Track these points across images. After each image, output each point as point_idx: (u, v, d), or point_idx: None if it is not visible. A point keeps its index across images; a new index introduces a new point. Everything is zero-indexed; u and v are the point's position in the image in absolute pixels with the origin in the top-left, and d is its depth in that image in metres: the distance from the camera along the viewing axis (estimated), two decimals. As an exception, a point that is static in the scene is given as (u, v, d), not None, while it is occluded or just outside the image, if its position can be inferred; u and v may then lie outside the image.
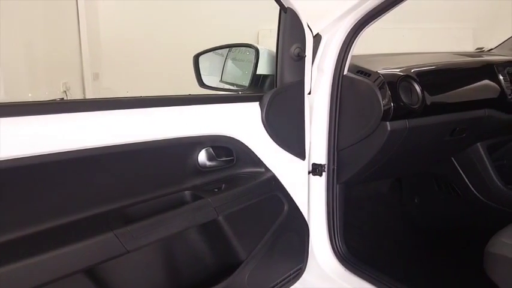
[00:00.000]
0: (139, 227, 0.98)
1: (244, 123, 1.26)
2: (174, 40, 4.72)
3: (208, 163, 1.21)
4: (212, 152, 1.21)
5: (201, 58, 1.56)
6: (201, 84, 1.54)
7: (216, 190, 1.18)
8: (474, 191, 1.93)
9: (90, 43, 4.72)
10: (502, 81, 1.72)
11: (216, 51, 1.59)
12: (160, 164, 1.12)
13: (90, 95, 4.78)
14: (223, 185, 1.21)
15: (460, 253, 1.96)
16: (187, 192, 1.15)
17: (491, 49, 2.26)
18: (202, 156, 1.19)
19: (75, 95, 4.58)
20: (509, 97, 1.73)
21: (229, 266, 1.25)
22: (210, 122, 1.18)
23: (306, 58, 1.35)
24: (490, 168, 1.88)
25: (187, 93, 1.21)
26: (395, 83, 1.39)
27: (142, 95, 1.10)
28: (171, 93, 1.17)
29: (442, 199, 2.12)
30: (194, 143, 1.16)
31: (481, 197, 1.91)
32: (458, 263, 1.89)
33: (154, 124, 1.07)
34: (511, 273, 1.15)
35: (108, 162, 1.01)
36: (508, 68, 1.78)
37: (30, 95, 3.99)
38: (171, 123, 1.10)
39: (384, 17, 1.32)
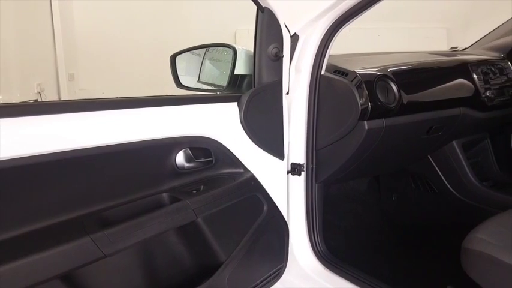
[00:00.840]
0: (116, 230, 0.97)
1: (222, 123, 1.26)
2: (152, 40, 4.68)
3: (186, 164, 1.20)
4: (190, 153, 1.20)
5: (178, 58, 1.54)
6: (178, 84, 1.53)
7: (195, 192, 1.17)
8: (450, 188, 1.96)
9: (65, 43, 4.64)
10: (476, 80, 1.75)
11: (193, 51, 1.57)
12: (137, 166, 1.10)
13: (65, 96, 4.70)
14: (202, 187, 1.20)
15: (437, 249, 1.99)
16: (165, 195, 1.14)
17: (465, 48, 2.30)
18: (180, 158, 1.18)
19: (50, 96, 4.49)
20: (483, 96, 1.76)
21: (209, 268, 1.24)
22: (188, 122, 1.17)
23: (283, 58, 1.34)
24: (465, 166, 1.91)
25: (164, 94, 1.20)
26: (372, 83, 1.40)
27: (119, 96, 1.08)
28: (148, 94, 1.16)
29: (419, 196, 2.14)
30: (172, 144, 1.15)
31: (457, 194, 1.94)
32: (436, 259, 1.92)
33: (131, 125, 1.05)
34: (487, 269, 1.17)
35: (83, 165, 0.99)
36: (481, 67, 1.81)
37: (0, 97, 3.89)
38: (148, 124, 1.09)
39: (360, 17, 1.32)
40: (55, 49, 4.60)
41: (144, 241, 1.06)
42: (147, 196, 1.11)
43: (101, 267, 1.05)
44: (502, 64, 1.92)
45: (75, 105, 0.97)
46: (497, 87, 1.82)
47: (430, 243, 2.08)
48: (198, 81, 1.59)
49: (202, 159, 1.23)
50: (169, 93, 1.21)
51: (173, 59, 1.54)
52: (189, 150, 1.20)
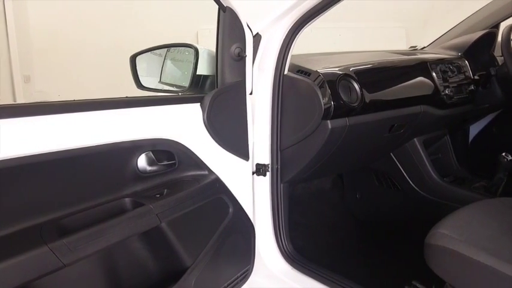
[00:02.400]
0: (76, 238, 0.93)
1: (185, 125, 1.23)
2: (111, 40, 4.57)
3: (148, 168, 1.17)
4: (152, 156, 1.18)
5: (138, 59, 1.51)
6: (139, 85, 1.49)
7: (158, 196, 1.15)
8: (412, 184, 2.00)
9: (19, 43, 4.46)
10: (435, 78, 1.79)
11: (154, 51, 1.54)
12: (96, 170, 1.06)
13: (21, 99, 4.52)
14: (166, 190, 1.18)
15: (401, 245, 2.03)
16: (127, 200, 1.11)
17: (424, 47, 2.35)
18: (142, 161, 1.15)
19: (5, 99, 4.32)
20: (442, 93, 1.80)
21: (175, 273, 1.21)
22: (149, 125, 1.14)
23: (246, 58, 1.34)
24: (426, 162, 1.95)
25: (124, 95, 1.16)
26: (334, 82, 1.41)
27: (77, 98, 1.04)
28: (108, 96, 1.12)
29: (382, 193, 2.18)
30: (132, 148, 1.11)
31: (419, 191, 1.98)
32: (400, 255, 1.95)
33: (89, 129, 1.01)
34: (450, 263, 1.19)
35: (40, 171, 0.94)
36: (440, 65, 1.85)
37: None
38: (107, 127, 1.05)
39: (321, 16, 1.33)
40: (9, 50, 4.42)
41: (106, 248, 1.03)
42: (108, 202, 1.08)
43: (61, 278, 1.01)
44: (460, 63, 1.97)
45: (28, 108, 0.93)
46: (455, 85, 1.87)
47: (395, 239, 2.12)
48: (160, 82, 1.56)
49: (165, 162, 1.21)
50: (130, 95, 1.18)
51: (133, 59, 1.50)
52: (151, 153, 1.17)
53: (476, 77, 1.99)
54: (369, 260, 1.97)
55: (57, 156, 0.95)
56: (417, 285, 1.42)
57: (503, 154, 1.84)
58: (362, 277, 1.77)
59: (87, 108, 1.01)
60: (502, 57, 1.86)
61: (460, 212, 1.34)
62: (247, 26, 1.32)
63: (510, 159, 1.82)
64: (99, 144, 1.02)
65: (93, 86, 4.43)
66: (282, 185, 1.53)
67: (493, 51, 2.13)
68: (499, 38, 2.00)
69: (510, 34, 1.85)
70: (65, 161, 0.98)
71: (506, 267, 1.06)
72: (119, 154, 1.09)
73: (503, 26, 1.98)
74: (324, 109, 1.38)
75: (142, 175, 1.15)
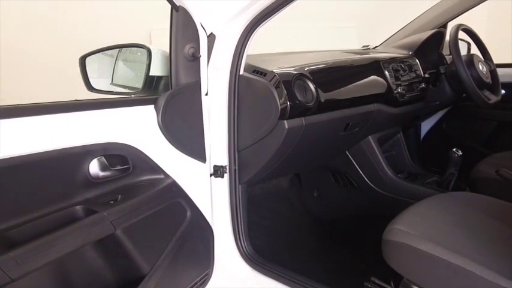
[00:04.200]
0: (24, 251, 0.88)
1: (138, 128, 1.20)
2: (59, 41, 4.40)
3: (101, 173, 1.13)
4: (105, 161, 1.13)
5: (88, 60, 1.45)
6: (90, 87, 1.44)
7: (112, 202, 1.11)
8: (368, 181, 2.03)
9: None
10: (388, 76, 1.83)
11: (105, 52, 1.49)
12: (45, 178, 1.01)
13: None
14: (120, 196, 1.14)
15: (360, 242, 2.06)
16: (78, 207, 1.06)
17: (376, 47, 2.40)
18: (94, 167, 1.11)
19: None
20: (395, 92, 1.84)
21: (132, 281, 1.18)
22: (101, 128, 1.10)
23: (201, 58, 1.31)
24: (381, 160, 1.99)
25: (73, 98, 1.11)
26: (290, 82, 1.41)
27: (22, 103, 0.99)
28: (56, 99, 1.06)
29: (339, 191, 2.20)
30: (83, 153, 1.07)
31: (375, 187, 2.02)
32: (359, 251, 1.98)
33: (36, 134, 0.96)
34: (407, 258, 1.22)
35: None
36: (392, 64, 1.89)
37: None
38: (56, 132, 1.00)
39: (275, 16, 1.32)
40: None
41: (58, 260, 0.98)
42: (58, 210, 1.03)
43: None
44: (411, 61, 2.02)
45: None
46: (407, 83, 1.92)
47: (353, 236, 2.15)
48: (111, 83, 1.51)
49: (119, 167, 1.17)
50: (80, 98, 1.13)
51: (83, 60, 1.45)
52: (103, 158, 1.13)
53: (426, 75, 2.05)
54: (328, 257, 1.99)
55: (4, 164, 0.90)
56: (376, 281, 1.44)
57: (454, 150, 1.90)
58: (321, 275, 1.78)
59: (33, 113, 0.96)
60: (451, 56, 1.91)
61: (414, 208, 1.37)
62: (201, 25, 1.30)
63: (460, 155, 1.88)
64: (47, 151, 0.97)
65: (40, 89, 4.25)
66: (240, 186, 1.52)
67: (442, 50, 2.20)
68: (447, 37, 2.07)
69: (458, 33, 1.91)
70: (10, 169, 0.92)
71: (459, 260, 1.09)
72: (68, 160, 1.04)
73: (451, 25, 2.05)
74: (281, 109, 1.37)
75: (94, 181, 1.11)
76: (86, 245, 1.08)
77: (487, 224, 1.30)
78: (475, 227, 1.27)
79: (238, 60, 1.38)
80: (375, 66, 1.81)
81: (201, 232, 1.41)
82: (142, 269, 1.20)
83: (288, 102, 1.39)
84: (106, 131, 1.11)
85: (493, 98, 1.98)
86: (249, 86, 1.41)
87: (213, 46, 1.37)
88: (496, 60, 2.14)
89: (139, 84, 1.35)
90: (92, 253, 1.14)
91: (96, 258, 1.15)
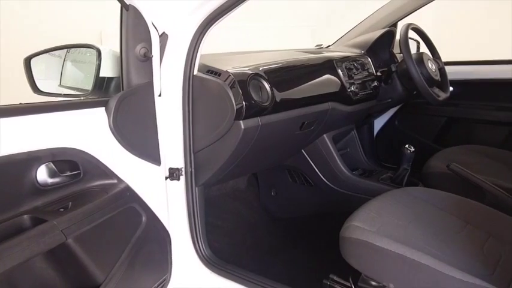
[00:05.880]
0: None
1: (89, 131, 1.15)
2: (2, 41, 4.20)
3: (50, 180, 1.07)
4: (54, 167, 1.08)
5: (33, 61, 1.39)
6: (36, 90, 1.38)
7: (62, 210, 1.06)
8: (324, 179, 2.05)
9: None
10: (341, 75, 1.85)
11: (52, 52, 1.44)
12: None
13: None
14: (70, 203, 1.09)
15: (318, 240, 2.08)
16: (26, 216, 1.01)
17: (329, 46, 2.43)
18: (42, 173, 1.06)
19: None
20: (349, 90, 1.86)
21: (85, 291, 1.13)
22: (49, 133, 1.05)
23: (153, 58, 1.28)
24: (336, 157, 2.01)
25: (18, 101, 1.05)
26: (245, 82, 1.40)
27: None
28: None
29: (296, 190, 2.22)
30: (30, 159, 1.02)
31: (331, 185, 2.04)
32: (318, 249, 2.00)
33: None
34: (364, 255, 1.23)
35: None
36: (345, 63, 1.92)
37: None
38: None
39: (229, 15, 1.31)
40: None
41: (4, 274, 0.93)
42: (3, 221, 0.97)
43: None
44: (363, 60, 2.05)
45: None
46: (360, 81, 1.94)
47: (311, 234, 2.17)
48: (60, 85, 1.45)
49: (69, 173, 1.12)
50: (25, 101, 1.07)
51: (28, 61, 1.38)
52: (52, 164, 1.08)
53: (378, 74, 2.09)
54: (287, 256, 2.00)
55: None
56: (335, 278, 1.46)
57: (406, 146, 1.94)
58: (280, 274, 1.79)
59: None
60: (401, 55, 1.96)
61: (370, 204, 1.40)
62: (153, 25, 1.26)
63: (413, 151, 1.93)
64: None
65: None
66: (197, 188, 1.50)
67: (393, 48, 2.25)
68: (398, 36, 2.12)
69: (408, 32, 1.96)
70: None
71: (414, 254, 1.12)
72: (13, 167, 0.99)
73: (401, 24, 2.10)
74: (236, 109, 1.36)
75: (43, 188, 1.06)
76: (35, 256, 1.03)
77: (439, 217, 1.34)
78: (428, 221, 1.31)
79: (191, 60, 1.36)
80: (328, 66, 1.83)
81: (157, 237, 1.38)
82: (96, 278, 1.16)
83: (244, 102, 1.37)
84: (54, 135, 1.07)
85: (442, 95, 2.05)
86: (203, 86, 1.39)
87: (165, 46, 1.34)
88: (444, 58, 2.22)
89: (89, 86, 1.31)
90: (42, 264, 1.09)
91: (47, 269, 1.10)
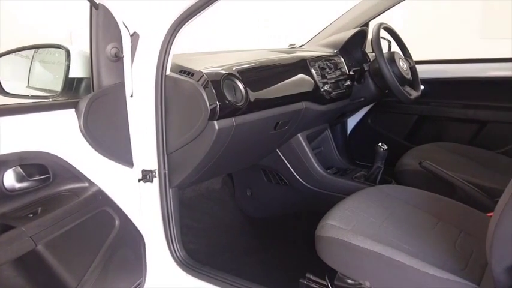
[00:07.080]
0: None
1: (58, 134, 1.13)
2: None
3: (17, 185, 1.05)
4: (21, 171, 1.05)
5: (-2, 61, 1.35)
6: (1, 91, 1.34)
7: (31, 215, 1.03)
8: (299, 178, 2.05)
9: None
10: (315, 75, 1.85)
11: (19, 53, 1.40)
12: None
13: None
14: (40, 209, 1.06)
15: (294, 240, 2.08)
16: None
17: (302, 45, 2.43)
18: (9, 178, 1.03)
19: None
20: (322, 90, 1.87)
21: (56, 299, 1.10)
22: (16, 136, 1.02)
23: (124, 58, 1.26)
24: (310, 156, 2.02)
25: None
26: (219, 82, 1.39)
27: None
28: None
29: (271, 189, 2.21)
30: None
31: (306, 184, 2.05)
32: (294, 249, 2.00)
33: None
34: (340, 253, 1.24)
35: None
36: (318, 62, 1.92)
37: None
38: None
39: (202, 15, 1.30)
40: None
41: None
42: None
43: None
44: (336, 59, 2.06)
45: None
46: (333, 81, 1.95)
47: (287, 234, 2.17)
48: (27, 86, 1.42)
49: (37, 177, 1.09)
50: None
51: (-8, 62, 1.34)
52: (19, 168, 1.04)
53: (351, 73, 2.11)
54: (263, 256, 1.99)
55: None
56: (311, 277, 1.46)
57: (379, 144, 1.96)
58: (256, 275, 1.78)
59: None
60: (373, 54, 1.97)
61: (345, 203, 1.40)
62: (124, 24, 1.24)
63: (385, 149, 1.95)
64: None
65: None
66: (171, 190, 1.48)
67: (365, 48, 2.27)
68: (370, 36, 2.14)
69: (379, 32, 1.98)
70: None
71: (389, 252, 1.13)
72: None
73: (372, 24, 2.12)
74: (210, 110, 1.35)
75: (10, 194, 1.03)
76: (3, 264, 1.00)
77: (413, 215, 1.36)
78: (402, 218, 1.32)
79: (164, 60, 1.34)
80: (301, 65, 1.83)
81: (131, 240, 1.36)
82: (68, 285, 1.13)
83: (218, 103, 1.36)
84: (22, 138, 1.04)
85: (414, 94, 2.07)
86: (176, 86, 1.38)
87: (137, 45, 1.31)
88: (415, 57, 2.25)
89: (58, 87, 1.29)
90: (10, 272, 1.06)
91: (16, 277, 1.07)
